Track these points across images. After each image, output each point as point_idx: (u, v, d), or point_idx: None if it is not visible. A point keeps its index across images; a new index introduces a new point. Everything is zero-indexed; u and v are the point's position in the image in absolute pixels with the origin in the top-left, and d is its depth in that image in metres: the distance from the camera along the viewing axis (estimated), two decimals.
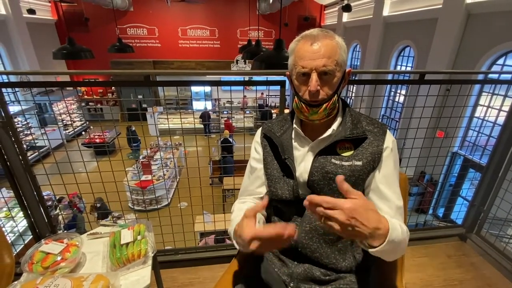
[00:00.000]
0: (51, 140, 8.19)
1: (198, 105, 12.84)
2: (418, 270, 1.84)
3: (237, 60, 11.11)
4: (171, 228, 1.81)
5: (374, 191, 0.83)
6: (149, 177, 6.20)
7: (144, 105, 11.56)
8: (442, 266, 1.87)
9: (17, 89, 1.40)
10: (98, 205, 4.44)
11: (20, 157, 1.37)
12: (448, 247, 2.04)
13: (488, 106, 5.40)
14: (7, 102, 1.30)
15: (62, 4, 10.32)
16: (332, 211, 0.59)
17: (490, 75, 3.29)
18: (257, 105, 12.30)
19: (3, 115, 1.29)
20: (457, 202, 5.21)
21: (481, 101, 5.56)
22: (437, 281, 1.75)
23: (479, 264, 1.88)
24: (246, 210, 0.72)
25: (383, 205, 0.81)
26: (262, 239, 0.64)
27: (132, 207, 6.34)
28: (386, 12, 8.34)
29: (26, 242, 2.02)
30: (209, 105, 12.48)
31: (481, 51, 5.29)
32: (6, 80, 1.32)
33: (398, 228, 0.69)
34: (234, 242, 0.79)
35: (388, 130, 0.86)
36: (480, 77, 4.41)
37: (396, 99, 8.48)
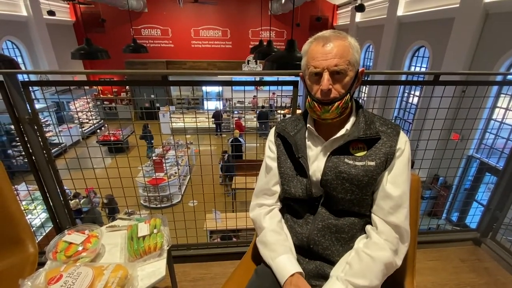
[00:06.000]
0: (68, 137, 8.42)
1: (209, 105, 12.98)
2: (430, 274, 1.81)
3: (248, 61, 11.16)
4: (182, 225, 1.86)
5: (380, 190, 0.84)
6: (161, 174, 6.32)
7: (157, 105, 11.77)
8: (455, 270, 1.84)
9: (36, 87, 1.47)
10: (106, 201, 4.55)
11: (44, 151, 1.44)
12: (461, 251, 2.00)
13: (507, 109, 5.23)
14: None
15: (80, 6, 10.64)
16: None
17: (509, 77, 3.19)
18: (269, 105, 12.33)
19: (30, 111, 1.36)
20: (471, 206, 5.07)
21: (499, 103, 5.40)
22: (449, 285, 1.73)
23: (493, 270, 1.84)
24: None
25: (384, 203, 0.83)
26: None
27: (146, 204, 6.49)
28: (400, 12, 8.19)
29: (47, 232, 2.13)
30: (220, 105, 12.59)
31: (500, 51, 5.13)
32: (27, 79, 1.38)
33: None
34: (275, 272, 0.84)
35: (401, 131, 0.86)
36: (499, 78, 4.26)
37: (410, 100, 8.32)
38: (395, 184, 0.82)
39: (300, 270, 0.82)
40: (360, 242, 0.84)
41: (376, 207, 0.85)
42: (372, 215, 0.86)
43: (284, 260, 0.83)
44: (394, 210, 0.81)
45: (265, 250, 0.89)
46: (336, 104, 0.80)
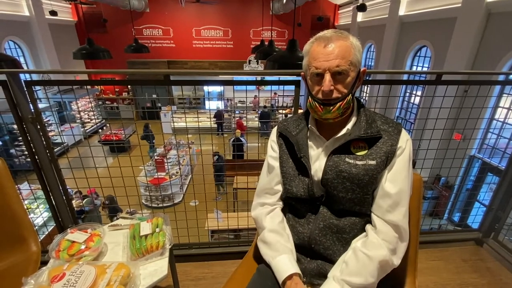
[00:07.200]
0: (70, 137, 8.46)
1: (211, 105, 13.00)
2: (432, 273, 1.81)
3: (249, 60, 11.16)
4: (184, 224, 1.86)
5: (379, 188, 0.84)
6: (163, 174, 6.34)
7: (159, 104, 11.79)
8: (457, 270, 1.83)
9: (38, 87, 1.47)
10: (107, 202, 4.58)
11: (47, 151, 1.45)
12: (463, 251, 1.99)
13: (509, 108, 5.21)
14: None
15: (82, 6, 10.67)
16: None
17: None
18: (270, 104, 12.34)
19: (33, 111, 1.37)
20: (473, 207, 5.04)
21: (501, 103, 5.37)
22: (451, 285, 1.72)
23: (495, 269, 1.84)
24: None
25: (383, 201, 0.82)
26: None
27: (148, 203, 6.50)
28: (402, 11, 8.17)
29: (49, 231, 2.14)
30: (221, 105, 12.60)
31: (502, 51, 5.11)
32: (29, 79, 1.39)
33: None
34: (275, 271, 0.84)
35: (403, 129, 0.86)
36: (501, 78, 4.24)
37: (412, 100, 8.30)
38: (394, 182, 0.82)
39: (298, 271, 0.83)
40: (358, 241, 0.84)
41: (375, 206, 0.84)
42: (371, 213, 0.86)
43: (283, 260, 0.84)
44: (392, 209, 0.81)
45: (266, 249, 0.90)
46: (338, 104, 0.80)
